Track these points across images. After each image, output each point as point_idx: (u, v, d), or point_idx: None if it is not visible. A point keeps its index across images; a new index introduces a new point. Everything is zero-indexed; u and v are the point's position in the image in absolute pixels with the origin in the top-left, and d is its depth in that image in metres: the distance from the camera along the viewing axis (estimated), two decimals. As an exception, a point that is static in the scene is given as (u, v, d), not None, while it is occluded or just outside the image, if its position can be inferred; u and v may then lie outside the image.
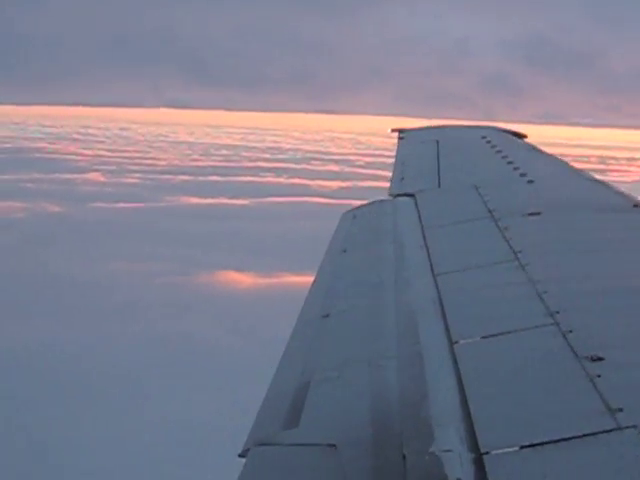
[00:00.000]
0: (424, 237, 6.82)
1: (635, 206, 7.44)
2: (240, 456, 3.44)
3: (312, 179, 68.02)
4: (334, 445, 3.34)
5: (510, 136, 12.82)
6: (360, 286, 5.84)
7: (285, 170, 76.23)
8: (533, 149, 11.60)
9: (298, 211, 50.52)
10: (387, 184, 9.76)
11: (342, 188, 62.70)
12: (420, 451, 3.17)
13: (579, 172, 10.10)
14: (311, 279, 6.25)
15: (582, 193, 8.48)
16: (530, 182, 8.66)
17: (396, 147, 12.55)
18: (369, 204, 8.85)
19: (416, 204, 8.27)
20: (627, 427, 3.11)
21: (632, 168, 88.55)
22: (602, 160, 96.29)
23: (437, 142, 11.88)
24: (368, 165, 79.78)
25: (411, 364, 4.11)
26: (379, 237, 7.25)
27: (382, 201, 8.91)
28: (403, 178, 9.88)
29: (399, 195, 8.91)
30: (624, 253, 5.95)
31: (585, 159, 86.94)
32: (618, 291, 5.03)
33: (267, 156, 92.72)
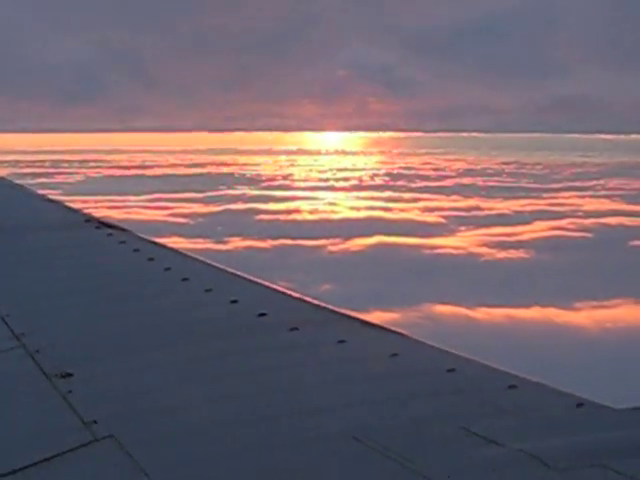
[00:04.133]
0: None
1: (87, 221, 7.64)
2: None
3: None
4: None
5: None
6: None
7: None
8: None
9: None
10: None
11: None
12: None
13: (30, 192, 10.11)
14: None
15: (35, 212, 8.50)
16: None
17: None
18: None
19: None
20: (104, 437, 3.20)
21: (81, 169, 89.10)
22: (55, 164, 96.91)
23: None
24: None
25: None
26: None
27: None
28: None
29: None
30: (95, 268, 6.08)
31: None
32: (83, 307, 5.14)
33: None
